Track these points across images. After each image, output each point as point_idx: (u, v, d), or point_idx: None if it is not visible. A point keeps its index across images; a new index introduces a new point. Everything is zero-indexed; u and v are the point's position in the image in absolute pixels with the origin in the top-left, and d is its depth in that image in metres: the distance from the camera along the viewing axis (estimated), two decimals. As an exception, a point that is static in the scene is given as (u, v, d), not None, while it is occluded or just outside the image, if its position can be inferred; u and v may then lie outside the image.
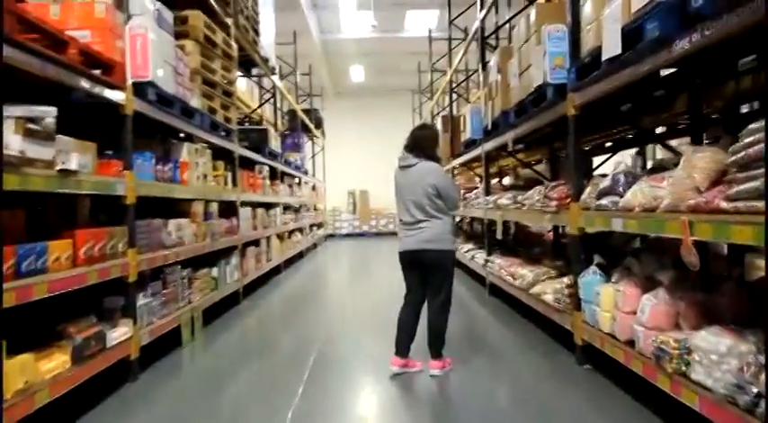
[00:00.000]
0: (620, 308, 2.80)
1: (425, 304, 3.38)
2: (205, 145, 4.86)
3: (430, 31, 12.25)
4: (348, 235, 17.70)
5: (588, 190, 3.20)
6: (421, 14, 12.90)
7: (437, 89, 12.14)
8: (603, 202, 2.96)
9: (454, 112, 9.33)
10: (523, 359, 3.65)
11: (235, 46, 5.87)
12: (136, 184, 3.35)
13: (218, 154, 5.59)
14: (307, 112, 13.58)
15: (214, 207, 5.01)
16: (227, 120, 5.55)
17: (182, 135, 4.62)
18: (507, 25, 7.15)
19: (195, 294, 4.49)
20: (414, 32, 14.12)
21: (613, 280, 3.06)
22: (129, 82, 3.33)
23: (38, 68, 2.42)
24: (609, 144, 6.36)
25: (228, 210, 5.76)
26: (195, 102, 4.51)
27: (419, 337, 3.35)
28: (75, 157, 2.74)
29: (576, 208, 3.29)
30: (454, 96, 9.12)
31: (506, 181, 8.60)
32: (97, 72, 3.00)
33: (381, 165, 18.67)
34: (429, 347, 3.31)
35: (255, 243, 6.90)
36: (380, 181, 18.55)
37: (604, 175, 3.19)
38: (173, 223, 4.06)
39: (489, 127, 5.32)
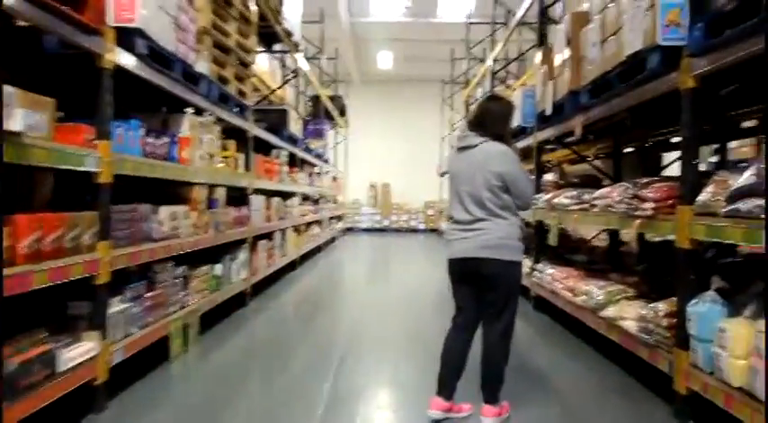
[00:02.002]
0: (762, 356, 1.97)
1: (477, 330, 2.60)
2: (212, 119, 4.12)
3: (470, 14, 11.35)
4: (367, 229, 16.95)
5: (710, 189, 2.36)
6: (457, -2, 12.02)
7: (473, 77, 11.29)
8: (741, 206, 2.12)
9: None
10: (600, 406, 2.83)
11: (254, 9, 5.12)
12: (114, 159, 2.61)
13: (230, 133, 4.86)
14: (331, 98, 12.83)
15: (221, 193, 4.28)
16: (242, 93, 4.81)
17: (191, 110, 3.87)
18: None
19: (192, 296, 3.76)
20: (448, 18, 13.28)
21: (746, 314, 2.23)
22: (111, 26, 2.59)
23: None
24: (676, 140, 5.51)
25: (238, 197, 5.04)
26: (202, 66, 3.77)
27: (469, 372, 2.57)
28: (22, 113, 2.01)
29: (687, 212, 2.46)
30: (495, 83, 8.24)
31: (548, 178, 7.73)
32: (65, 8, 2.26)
33: (406, 157, 17.98)
34: (482, 388, 2.52)
35: (268, 236, 6.17)
36: (404, 174, 17.87)
37: (737, 168, 2.35)
38: (165, 211, 3.32)
39: (548, 112, 4.48)
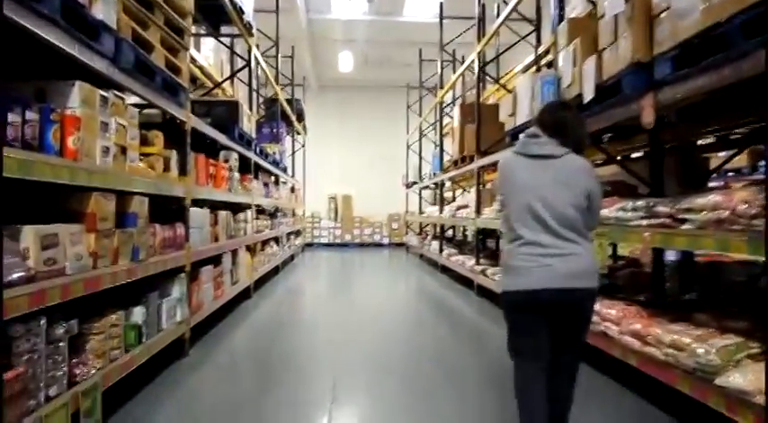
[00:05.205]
0: None
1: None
2: (123, 97, 2.82)
3: (438, 14, 10.31)
4: (328, 245, 15.63)
5: None
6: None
7: (445, 79, 10.30)
8: None
9: (469, 100, 7.42)
10: None
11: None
12: None
13: (157, 126, 3.58)
14: (288, 101, 11.55)
15: (139, 205, 2.95)
16: (174, 69, 3.52)
17: (106, 95, 2.54)
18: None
19: (89, 364, 2.42)
20: (415, 17, 12.29)
21: None
22: None
23: None
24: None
25: (171, 211, 3.72)
26: (103, 13, 2.48)
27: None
28: None
29: None
30: (476, 80, 7.19)
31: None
32: None
33: (368, 168, 16.74)
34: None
35: (215, 260, 4.84)
36: (366, 186, 16.63)
37: None
38: (32, 234, 2.00)
39: (587, 98, 3.42)
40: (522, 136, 2.35)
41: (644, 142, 4.33)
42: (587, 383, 3.17)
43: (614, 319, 3.15)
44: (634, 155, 5.24)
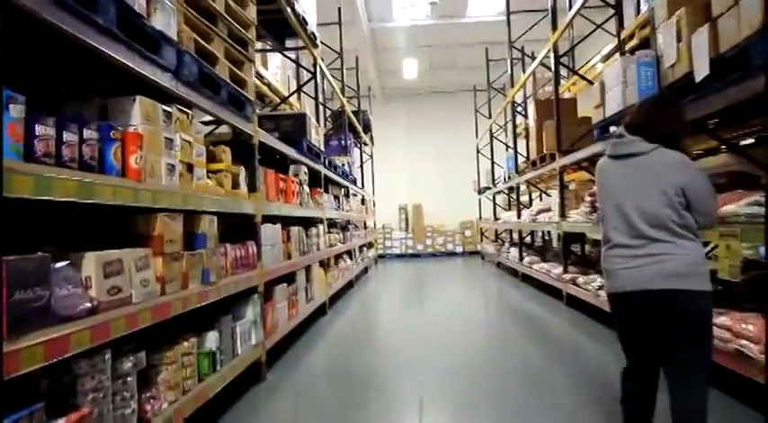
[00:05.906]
0: None
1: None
2: (190, 112, 2.69)
3: (503, 11, 9.85)
4: (400, 255, 15.39)
5: None
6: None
7: (515, 78, 9.80)
8: None
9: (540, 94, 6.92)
10: None
11: (253, -29, 3.74)
12: None
13: (225, 143, 3.46)
14: (354, 113, 11.47)
15: (208, 225, 2.81)
16: (239, 82, 3.39)
17: (169, 109, 2.43)
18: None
19: (161, 397, 2.27)
20: (478, 16, 11.90)
21: None
22: None
23: None
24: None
25: (241, 229, 3.58)
26: (163, 24, 2.35)
27: None
28: None
29: None
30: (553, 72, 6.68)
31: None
32: None
33: (437, 175, 16.42)
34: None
35: (289, 278, 4.69)
36: (436, 194, 16.29)
37: None
38: (93, 261, 1.86)
39: (700, 76, 2.92)
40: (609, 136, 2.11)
41: (759, 126, 3.74)
42: (726, 415, 2.66)
43: (753, 337, 2.63)
44: (744, 141, 4.58)
